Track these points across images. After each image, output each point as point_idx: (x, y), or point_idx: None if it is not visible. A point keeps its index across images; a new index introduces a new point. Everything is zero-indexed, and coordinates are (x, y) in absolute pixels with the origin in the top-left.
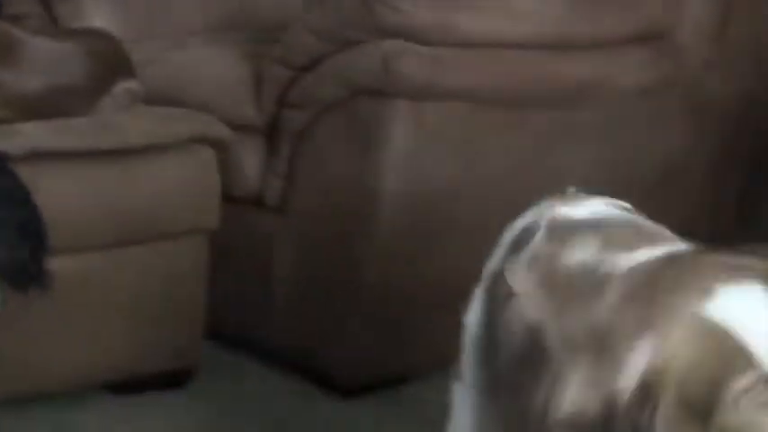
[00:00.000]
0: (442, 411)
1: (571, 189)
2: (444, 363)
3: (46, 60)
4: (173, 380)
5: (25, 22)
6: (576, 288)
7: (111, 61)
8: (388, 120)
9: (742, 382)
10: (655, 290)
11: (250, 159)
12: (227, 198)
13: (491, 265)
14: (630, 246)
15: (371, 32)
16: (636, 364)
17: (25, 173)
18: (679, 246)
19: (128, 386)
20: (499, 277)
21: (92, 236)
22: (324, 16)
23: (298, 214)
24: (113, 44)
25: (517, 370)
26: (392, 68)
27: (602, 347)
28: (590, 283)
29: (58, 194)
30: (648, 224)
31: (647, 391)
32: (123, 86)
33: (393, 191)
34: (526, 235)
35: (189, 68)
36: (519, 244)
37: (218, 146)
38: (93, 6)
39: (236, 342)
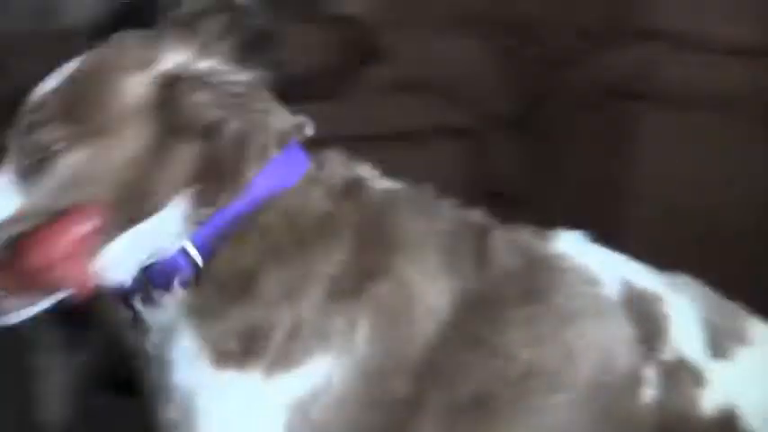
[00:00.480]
0: None
1: None
2: None
3: (301, 45)
4: None
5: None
6: None
7: (359, 48)
8: (643, 123)
9: None
10: None
11: (495, 150)
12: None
13: None
14: None
15: (631, 34)
16: None
17: None
18: None
19: None
20: None
21: None
22: (582, 15)
23: (541, 209)
24: (363, 31)
25: None
26: (652, 73)
27: None
28: None
29: None
30: None
31: None
32: (371, 73)
33: (644, 195)
34: None
35: (443, 57)
36: None
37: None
38: None
39: None
